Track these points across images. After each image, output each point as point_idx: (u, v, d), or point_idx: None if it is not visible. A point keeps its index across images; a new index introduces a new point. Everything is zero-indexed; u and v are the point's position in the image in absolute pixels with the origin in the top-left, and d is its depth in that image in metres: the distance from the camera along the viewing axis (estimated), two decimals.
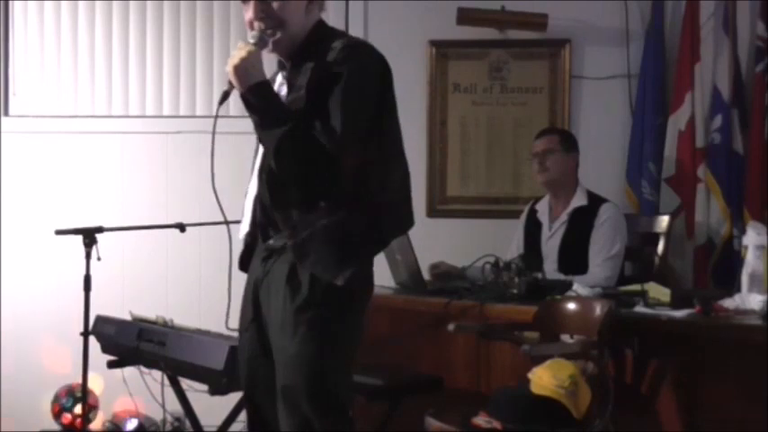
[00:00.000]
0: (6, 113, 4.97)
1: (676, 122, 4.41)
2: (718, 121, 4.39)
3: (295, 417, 2.34)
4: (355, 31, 4.53)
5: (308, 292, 2.34)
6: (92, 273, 3.50)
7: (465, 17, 4.50)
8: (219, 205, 2.52)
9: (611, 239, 3.86)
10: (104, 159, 4.88)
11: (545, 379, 3.00)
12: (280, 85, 2.50)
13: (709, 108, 4.43)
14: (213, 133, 2.45)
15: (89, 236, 3.50)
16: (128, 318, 3.65)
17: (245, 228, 2.59)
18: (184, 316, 3.77)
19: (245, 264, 2.62)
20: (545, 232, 4.03)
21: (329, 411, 2.34)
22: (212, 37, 4.89)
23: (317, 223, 2.34)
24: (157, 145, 4.84)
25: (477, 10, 4.53)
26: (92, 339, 3.55)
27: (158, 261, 4.75)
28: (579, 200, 3.98)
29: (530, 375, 3.06)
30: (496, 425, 2.96)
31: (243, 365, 2.59)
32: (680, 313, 3.17)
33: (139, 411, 4.40)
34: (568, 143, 4.03)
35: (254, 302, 2.54)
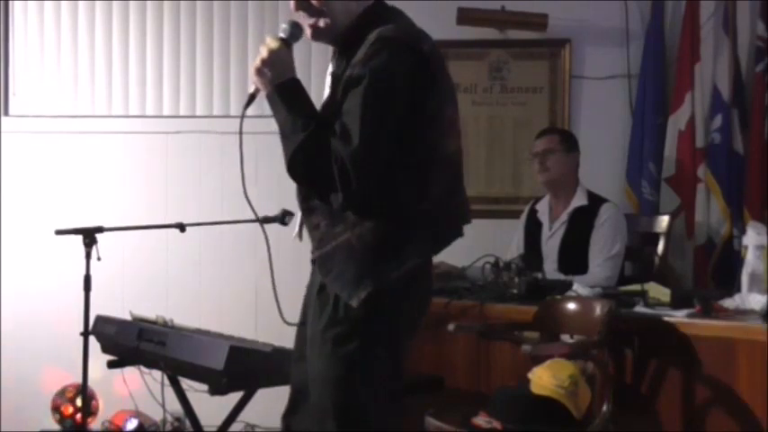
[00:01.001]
0: (6, 113, 4.97)
1: (676, 122, 4.41)
2: (718, 121, 4.39)
3: None
4: None
5: (332, 308, 2.20)
6: (92, 273, 3.50)
7: (465, 17, 4.50)
8: (250, 204, 2.42)
9: (611, 239, 3.86)
10: (104, 159, 4.88)
11: (545, 379, 3.00)
12: (327, 79, 2.33)
13: (709, 108, 4.43)
14: (240, 134, 2.29)
15: (89, 236, 3.50)
16: (128, 318, 3.65)
17: (295, 229, 2.44)
18: (184, 316, 3.77)
19: None
20: (545, 232, 4.03)
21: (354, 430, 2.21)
22: (212, 37, 4.89)
23: (341, 236, 2.18)
24: (157, 145, 4.83)
25: (477, 10, 4.53)
26: (92, 339, 3.55)
27: (158, 261, 4.75)
28: (579, 200, 3.98)
29: (530, 375, 3.06)
30: (496, 425, 2.96)
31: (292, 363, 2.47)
32: (680, 313, 3.18)
33: (139, 411, 4.40)
34: (569, 143, 4.03)
35: (305, 305, 2.45)
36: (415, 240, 2.20)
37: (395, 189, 2.15)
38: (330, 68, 2.31)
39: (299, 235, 2.39)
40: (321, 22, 2.24)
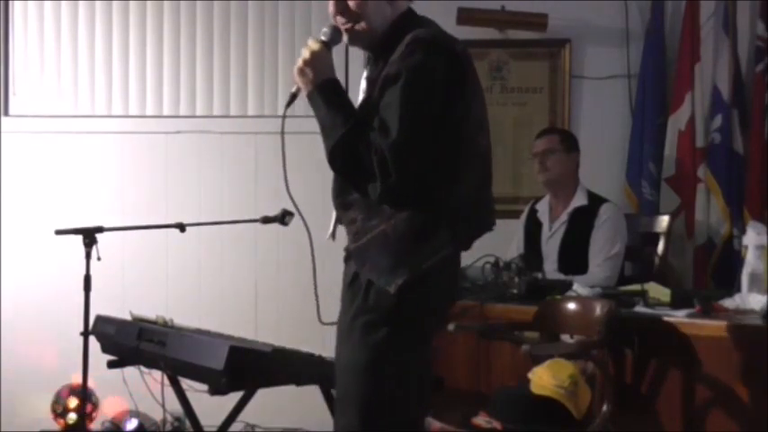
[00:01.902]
0: (6, 113, 4.96)
1: (676, 122, 4.42)
2: (718, 120, 4.39)
3: (343, 422, 2.29)
4: None
5: (362, 297, 2.27)
6: (92, 273, 3.50)
7: (465, 17, 4.50)
8: (294, 203, 2.42)
9: (611, 239, 3.87)
10: (104, 159, 4.88)
11: (545, 379, 3.01)
12: (363, 81, 2.41)
13: (709, 108, 4.44)
14: (282, 134, 2.35)
15: (89, 236, 3.50)
16: (128, 318, 3.65)
17: (329, 228, 2.47)
18: (184, 316, 3.77)
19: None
20: (545, 232, 4.03)
21: (376, 423, 2.25)
22: (212, 37, 4.89)
23: (376, 229, 2.26)
24: (157, 145, 4.83)
25: (477, 10, 4.53)
26: (92, 339, 3.55)
27: (158, 261, 4.75)
28: (579, 200, 3.98)
29: (530, 375, 3.06)
30: (496, 425, 2.96)
31: None
32: (680, 313, 3.18)
33: (139, 411, 4.40)
34: (569, 143, 4.03)
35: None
36: (447, 232, 2.27)
37: (429, 182, 2.24)
38: (365, 74, 2.41)
39: (333, 235, 2.46)
40: (358, 26, 2.33)
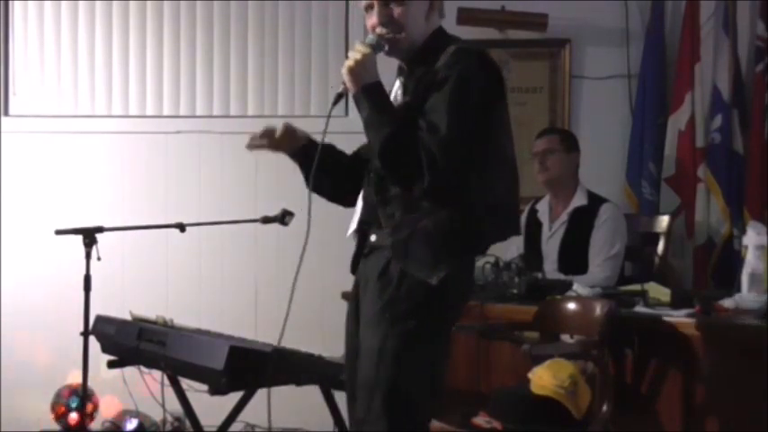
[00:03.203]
0: (6, 113, 4.96)
1: (676, 122, 4.42)
2: (718, 120, 4.39)
3: (364, 407, 2.37)
4: (355, 31, 4.53)
5: (394, 288, 2.37)
6: (92, 273, 3.50)
7: (465, 17, 4.50)
8: (309, 204, 2.44)
9: (610, 239, 3.87)
10: (104, 159, 4.88)
11: (545, 379, 3.00)
12: (397, 90, 2.55)
13: (709, 108, 4.44)
14: (324, 133, 2.47)
15: (89, 236, 3.50)
16: (128, 318, 3.65)
17: (353, 226, 2.59)
18: (184, 316, 3.77)
19: (355, 266, 2.61)
20: (545, 232, 4.03)
21: (399, 409, 2.34)
22: (212, 37, 4.89)
23: (417, 224, 2.37)
24: (157, 145, 4.83)
25: (477, 10, 4.53)
26: (92, 339, 3.55)
27: (158, 261, 4.75)
28: (579, 200, 3.98)
29: (530, 375, 3.06)
30: (496, 425, 2.97)
31: (345, 364, 2.62)
32: (680, 313, 3.18)
33: (139, 411, 4.40)
34: (569, 143, 4.03)
35: (355, 299, 2.58)
36: (479, 233, 2.43)
37: (469, 183, 2.36)
38: (397, 84, 2.56)
39: (355, 235, 2.57)
40: (400, 36, 2.46)
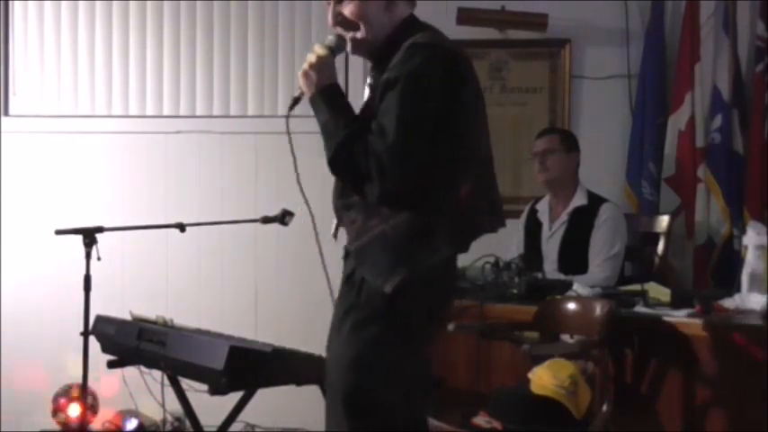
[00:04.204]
0: (6, 113, 4.96)
1: (676, 122, 4.41)
2: (718, 120, 4.39)
3: (330, 417, 2.33)
4: None
5: (356, 294, 2.31)
6: (92, 273, 3.50)
7: (465, 17, 4.50)
8: (306, 202, 2.42)
9: (610, 239, 3.87)
10: (104, 159, 4.88)
11: (545, 379, 3.00)
12: (366, 90, 2.49)
13: (709, 108, 4.44)
14: (288, 134, 2.38)
15: (89, 236, 3.50)
16: (128, 318, 3.65)
17: (332, 229, 2.52)
18: (184, 316, 3.77)
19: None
20: (545, 232, 4.03)
21: (360, 416, 2.27)
22: (212, 37, 4.89)
23: (376, 228, 2.29)
24: (157, 145, 4.83)
25: (477, 10, 4.53)
26: (92, 339, 3.55)
27: (158, 261, 4.75)
28: (579, 200, 3.98)
29: (530, 375, 3.06)
30: (496, 425, 2.96)
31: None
32: (680, 313, 3.18)
33: (139, 411, 4.40)
34: (569, 143, 4.03)
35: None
36: (445, 235, 2.29)
37: (427, 185, 2.26)
38: (368, 81, 2.48)
39: (335, 235, 2.49)
40: (358, 35, 2.38)
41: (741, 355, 3.02)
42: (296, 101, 2.41)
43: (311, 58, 2.34)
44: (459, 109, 2.29)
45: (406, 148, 2.21)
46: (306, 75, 2.34)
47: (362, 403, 2.28)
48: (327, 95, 2.32)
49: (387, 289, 2.25)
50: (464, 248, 2.41)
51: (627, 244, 3.93)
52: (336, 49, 2.40)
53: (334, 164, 2.28)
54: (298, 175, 2.41)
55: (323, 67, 2.34)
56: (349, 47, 2.41)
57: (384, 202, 2.26)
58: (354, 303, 2.31)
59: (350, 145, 2.24)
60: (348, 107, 2.34)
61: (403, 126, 2.21)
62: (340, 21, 2.38)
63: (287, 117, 2.38)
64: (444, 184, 2.29)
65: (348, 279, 2.35)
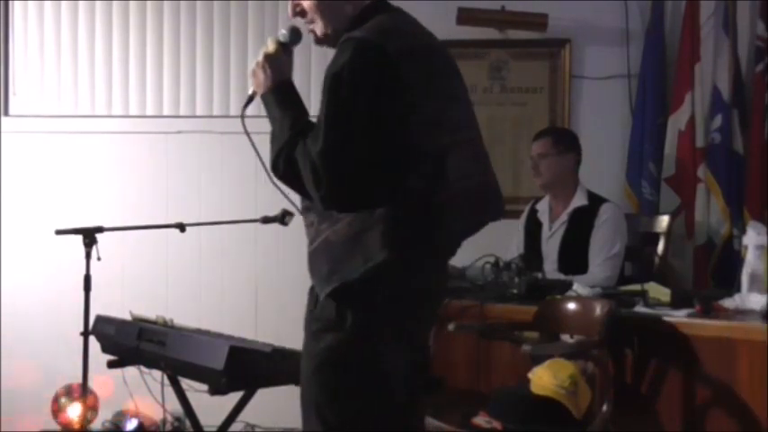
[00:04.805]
0: (6, 113, 4.97)
1: (676, 122, 4.41)
2: (718, 120, 4.39)
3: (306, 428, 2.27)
4: None
5: (313, 303, 2.23)
6: (92, 273, 3.50)
7: (465, 17, 4.50)
8: (282, 192, 2.31)
9: (611, 239, 3.86)
10: (104, 159, 4.88)
11: (545, 379, 3.00)
12: None
13: (709, 108, 4.44)
14: (247, 134, 2.30)
15: (89, 236, 3.50)
16: (128, 318, 3.65)
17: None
18: (184, 316, 3.77)
19: None
20: (545, 232, 4.03)
21: (328, 426, 2.19)
22: (212, 37, 4.89)
23: (323, 234, 2.18)
24: (157, 145, 4.84)
25: (477, 10, 4.53)
26: (92, 339, 3.55)
27: (158, 261, 4.75)
28: (579, 200, 3.98)
29: (530, 375, 3.06)
30: (496, 425, 2.96)
31: None
32: (680, 313, 3.18)
33: (139, 411, 4.40)
34: (564, 144, 4.00)
35: None
36: (386, 237, 2.11)
37: (366, 186, 2.11)
38: None
39: None
40: (317, 28, 2.28)
41: (741, 355, 3.02)
42: (250, 99, 2.34)
43: (259, 57, 2.27)
44: (398, 106, 2.10)
45: (336, 152, 2.07)
46: (254, 73, 2.27)
47: (331, 414, 2.18)
48: (278, 94, 2.23)
49: (321, 297, 2.16)
50: (445, 250, 2.28)
51: (627, 244, 3.93)
52: (290, 42, 2.30)
53: (275, 167, 2.18)
54: (270, 175, 2.26)
55: (273, 65, 2.25)
56: (314, 38, 2.30)
57: (327, 207, 2.13)
58: (311, 315, 2.22)
59: (291, 149, 2.13)
60: (297, 105, 2.23)
61: (332, 129, 2.08)
62: (299, 11, 2.30)
63: (242, 117, 2.30)
64: (387, 185, 2.11)
65: (312, 289, 2.25)
